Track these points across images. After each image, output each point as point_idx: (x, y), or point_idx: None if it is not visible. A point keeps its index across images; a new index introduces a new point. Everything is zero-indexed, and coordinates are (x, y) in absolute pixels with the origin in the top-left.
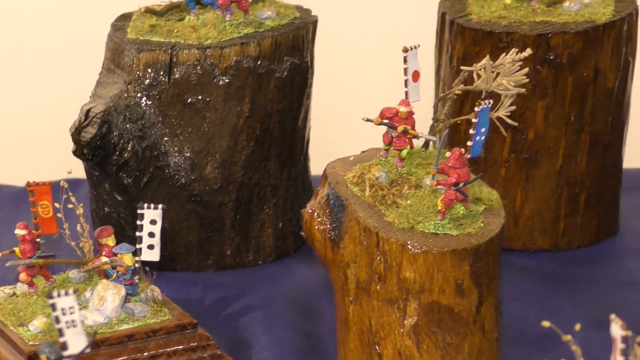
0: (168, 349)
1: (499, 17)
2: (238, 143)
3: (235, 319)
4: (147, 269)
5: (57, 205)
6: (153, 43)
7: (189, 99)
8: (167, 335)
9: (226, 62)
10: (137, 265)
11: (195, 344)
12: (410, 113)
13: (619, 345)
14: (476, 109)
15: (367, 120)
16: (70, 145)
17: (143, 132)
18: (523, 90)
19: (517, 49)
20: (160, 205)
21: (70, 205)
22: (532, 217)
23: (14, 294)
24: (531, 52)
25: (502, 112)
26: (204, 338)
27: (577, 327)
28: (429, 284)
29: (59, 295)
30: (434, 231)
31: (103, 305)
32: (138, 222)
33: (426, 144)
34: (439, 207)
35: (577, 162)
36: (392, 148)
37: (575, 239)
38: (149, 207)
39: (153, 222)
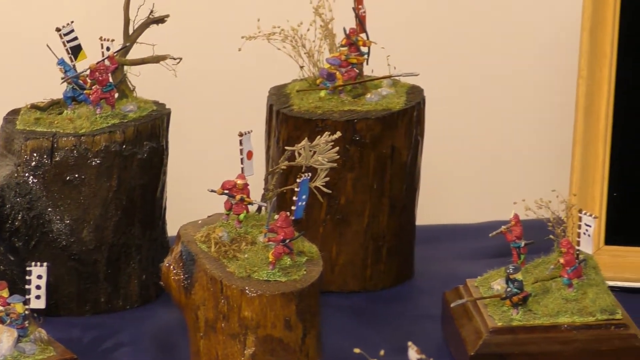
0: None
1: (315, 107)
2: (108, 212)
3: (108, 354)
4: (35, 315)
5: None
6: (37, 132)
7: (68, 177)
8: None
9: (97, 147)
10: (27, 312)
11: None
12: (246, 185)
13: None
14: (298, 180)
15: (212, 191)
16: None
17: (31, 205)
18: (335, 164)
19: (329, 132)
20: (45, 263)
21: None
22: (345, 265)
23: None
24: (341, 134)
25: (319, 183)
26: None
27: (382, 352)
28: (264, 320)
29: None
30: (266, 279)
31: None
32: (27, 277)
33: (259, 209)
34: (270, 259)
35: (379, 221)
36: (232, 213)
37: (380, 282)
38: (36, 265)
39: (40, 277)
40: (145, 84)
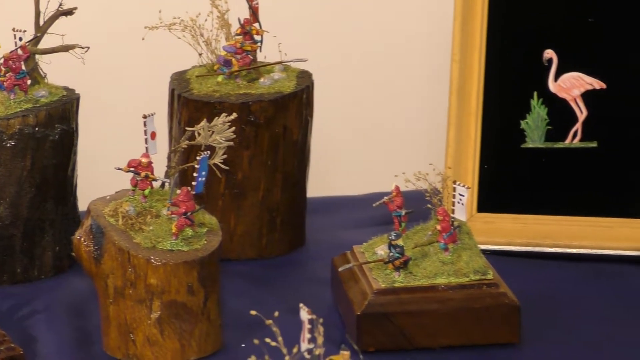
0: None
1: (213, 91)
2: (23, 189)
3: (25, 320)
4: None
5: None
6: None
7: None
8: None
9: (12, 130)
10: None
11: None
12: (150, 163)
13: (307, 326)
14: (198, 158)
15: (118, 169)
16: None
17: None
18: (232, 143)
19: (226, 114)
20: None
21: None
22: (243, 235)
23: None
24: (237, 115)
25: (217, 160)
26: (1, 335)
27: (276, 314)
28: (168, 287)
29: None
30: (170, 248)
31: None
32: None
33: (163, 185)
34: (174, 231)
35: (273, 194)
36: (137, 189)
37: (275, 250)
38: None
39: None
40: (56, 71)
